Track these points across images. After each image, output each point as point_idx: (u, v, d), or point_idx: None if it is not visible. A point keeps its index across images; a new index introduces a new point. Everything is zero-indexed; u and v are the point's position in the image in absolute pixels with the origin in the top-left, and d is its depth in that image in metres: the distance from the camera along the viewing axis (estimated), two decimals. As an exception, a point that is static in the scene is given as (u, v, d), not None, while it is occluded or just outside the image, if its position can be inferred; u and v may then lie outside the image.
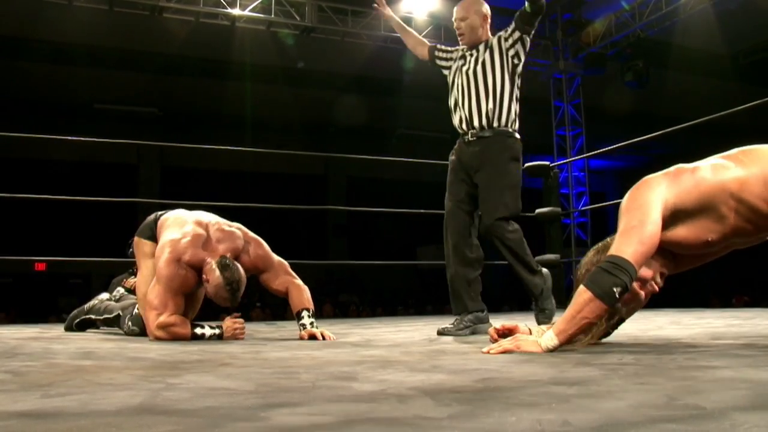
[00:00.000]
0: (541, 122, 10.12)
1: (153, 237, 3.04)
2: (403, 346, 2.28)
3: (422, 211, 5.31)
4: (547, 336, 1.86)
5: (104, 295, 3.67)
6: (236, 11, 8.18)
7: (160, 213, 3.14)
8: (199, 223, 2.92)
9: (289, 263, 3.02)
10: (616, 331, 2.12)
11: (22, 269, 11.88)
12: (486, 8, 3.24)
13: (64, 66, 10.46)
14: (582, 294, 1.83)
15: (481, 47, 3.20)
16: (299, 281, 2.98)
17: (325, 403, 1.04)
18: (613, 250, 1.85)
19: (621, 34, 9.40)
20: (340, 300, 12.26)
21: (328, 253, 14.05)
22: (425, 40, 3.62)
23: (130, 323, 3.11)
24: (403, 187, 12.50)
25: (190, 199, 5.48)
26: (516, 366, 1.49)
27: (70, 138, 5.00)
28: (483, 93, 3.11)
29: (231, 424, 0.87)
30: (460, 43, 3.29)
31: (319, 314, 10.17)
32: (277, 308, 10.77)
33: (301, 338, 2.74)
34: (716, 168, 1.90)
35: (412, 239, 12.12)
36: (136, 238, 3.12)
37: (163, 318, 2.71)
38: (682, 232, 1.91)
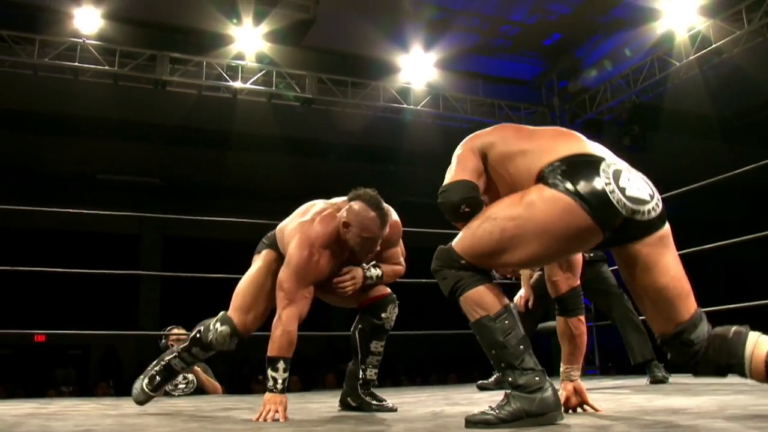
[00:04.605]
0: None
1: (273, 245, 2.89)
2: (406, 421, 2.24)
3: (424, 280, 5.28)
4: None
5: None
6: (238, 84, 8.36)
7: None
8: (324, 204, 2.83)
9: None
10: (623, 402, 2.08)
11: (21, 340, 11.79)
12: None
13: (68, 137, 10.61)
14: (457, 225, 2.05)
15: None
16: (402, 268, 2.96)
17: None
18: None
19: (617, 100, 9.60)
20: (341, 369, 12.09)
21: (330, 322, 13.92)
22: None
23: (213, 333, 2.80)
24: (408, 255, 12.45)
25: (194, 269, 5.51)
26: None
27: (71, 210, 5.05)
28: None
29: None
30: None
31: (321, 384, 9.93)
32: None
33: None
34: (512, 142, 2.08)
35: (417, 309, 11.98)
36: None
37: (290, 317, 2.53)
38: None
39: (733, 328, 1.86)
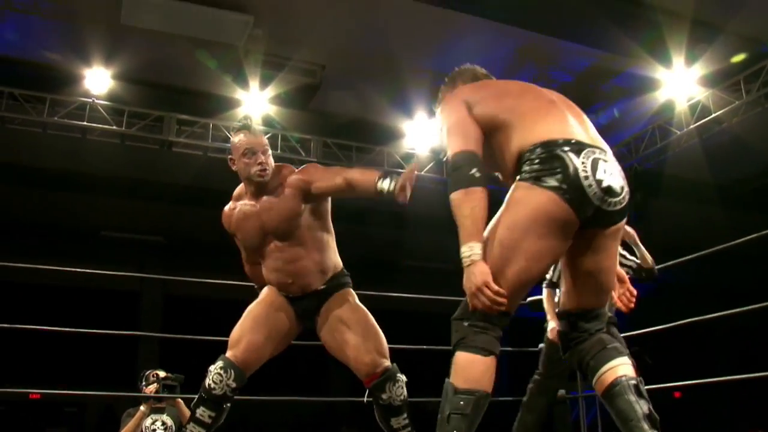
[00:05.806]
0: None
1: None
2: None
3: (430, 347, 5.19)
4: (465, 250, 1.94)
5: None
6: (244, 146, 8.44)
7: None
8: None
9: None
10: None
11: (16, 397, 11.59)
12: None
13: (74, 194, 10.63)
14: (454, 201, 2.02)
15: None
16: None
17: None
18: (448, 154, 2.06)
19: (618, 168, 9.69)
20: (341, 434, 11.84)
21: (330, 387, 13.67)
22: None
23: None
24: (413, 320, 12.22)
25: (195, 328, 5.46)
26: None
27: (70, 269, 5.03)
28: None
29: None
30: None
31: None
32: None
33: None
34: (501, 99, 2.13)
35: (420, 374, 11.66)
36: None
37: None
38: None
39: (611, 345, 2.00)
